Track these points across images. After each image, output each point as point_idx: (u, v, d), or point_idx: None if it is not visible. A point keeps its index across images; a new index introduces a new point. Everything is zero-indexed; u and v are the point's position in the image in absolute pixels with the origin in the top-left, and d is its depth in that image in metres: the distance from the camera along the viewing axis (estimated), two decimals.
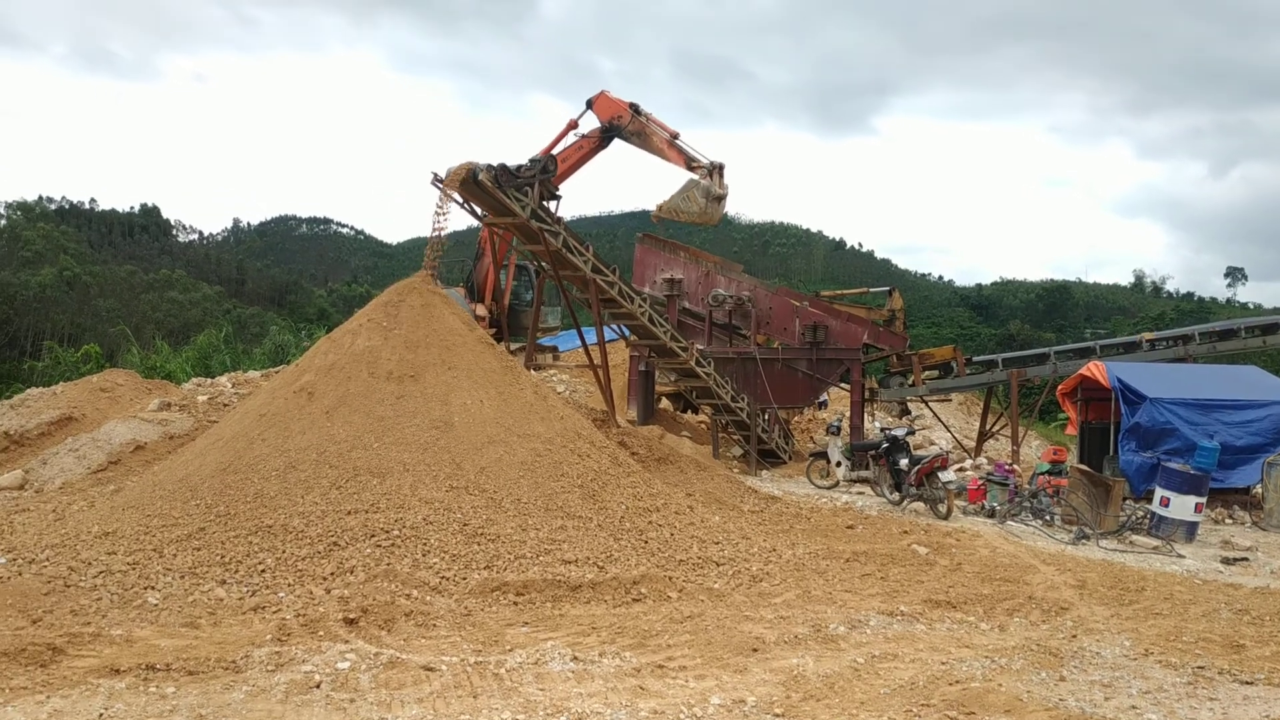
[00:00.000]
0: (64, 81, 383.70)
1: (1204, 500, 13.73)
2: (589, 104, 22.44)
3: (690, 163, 21.59)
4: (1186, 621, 8.63)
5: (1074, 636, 7.97)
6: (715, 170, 21.66)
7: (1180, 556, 12.13)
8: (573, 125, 22.63)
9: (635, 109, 21.99)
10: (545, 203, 17.70)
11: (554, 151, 20.91)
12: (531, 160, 17.99)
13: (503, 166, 16.78)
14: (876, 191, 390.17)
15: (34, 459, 13.83)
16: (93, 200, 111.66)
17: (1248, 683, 6.88)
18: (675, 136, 22.05)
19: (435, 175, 16.41)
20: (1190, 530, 13.41)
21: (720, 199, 21.60)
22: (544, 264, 18.90)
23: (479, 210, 17.92)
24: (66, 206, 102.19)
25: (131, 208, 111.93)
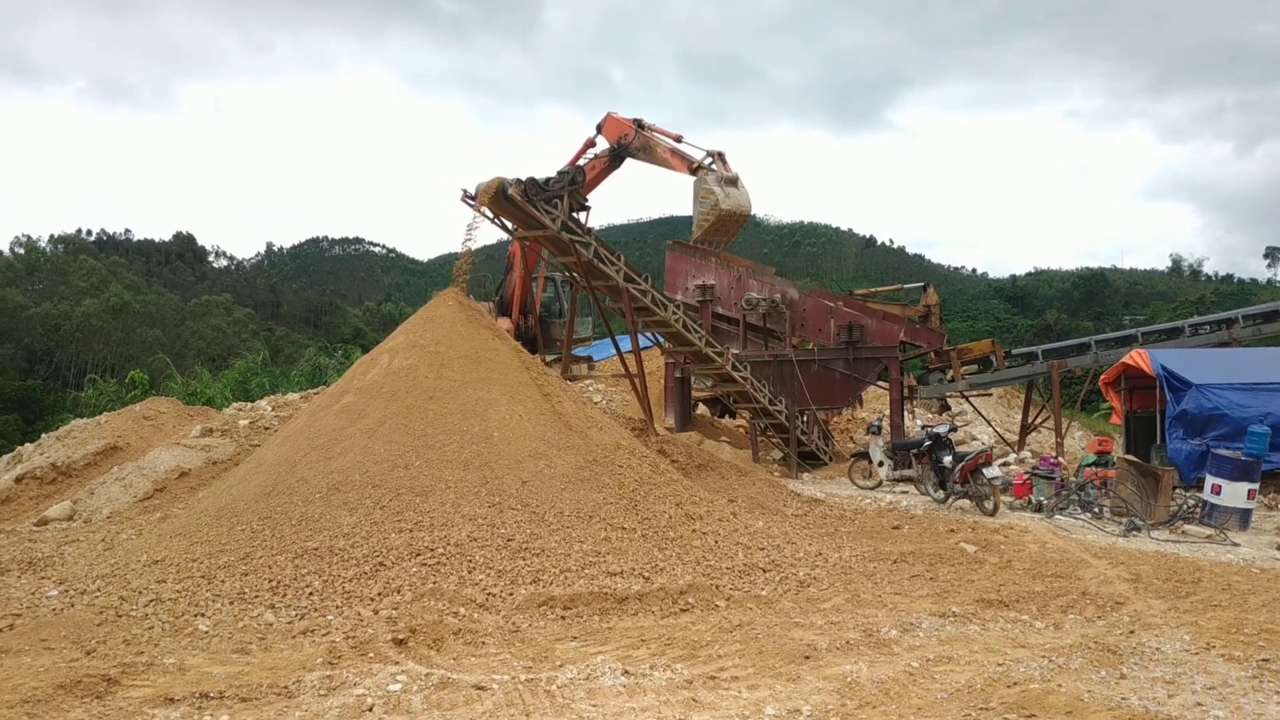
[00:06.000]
0: (86, 115, 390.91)
1: (1256, 486, 13.48)
2: (599, 128, 22.63)
3: (692, 166, 21.56)
4: (1247, 612, 8.43)
5: (1132, 632, 7.80)
6: (716, 158, 21.64)
7: (1235, 545, 11.89)
8: (590, 144, 22.80)
9: (639, 124, 22.03)
10: (575, 214, 17.71)
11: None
12: (560, 173, 18.01)
13: (531, 180, 16.80)
14: (900, 186, 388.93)
15: (81, 489, 14.04)
16: (128, 230, 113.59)
17: None
18: (679, 140, 22.08)
19: (465, 192, 16.48)
20: (1244, 518, 13.16)
21: (733, 181, 21.53)
22: (576, 275, 18.90)
23: (510, 225, 17.97)
24: (105, 238, 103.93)
25: (165, 237, 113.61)
